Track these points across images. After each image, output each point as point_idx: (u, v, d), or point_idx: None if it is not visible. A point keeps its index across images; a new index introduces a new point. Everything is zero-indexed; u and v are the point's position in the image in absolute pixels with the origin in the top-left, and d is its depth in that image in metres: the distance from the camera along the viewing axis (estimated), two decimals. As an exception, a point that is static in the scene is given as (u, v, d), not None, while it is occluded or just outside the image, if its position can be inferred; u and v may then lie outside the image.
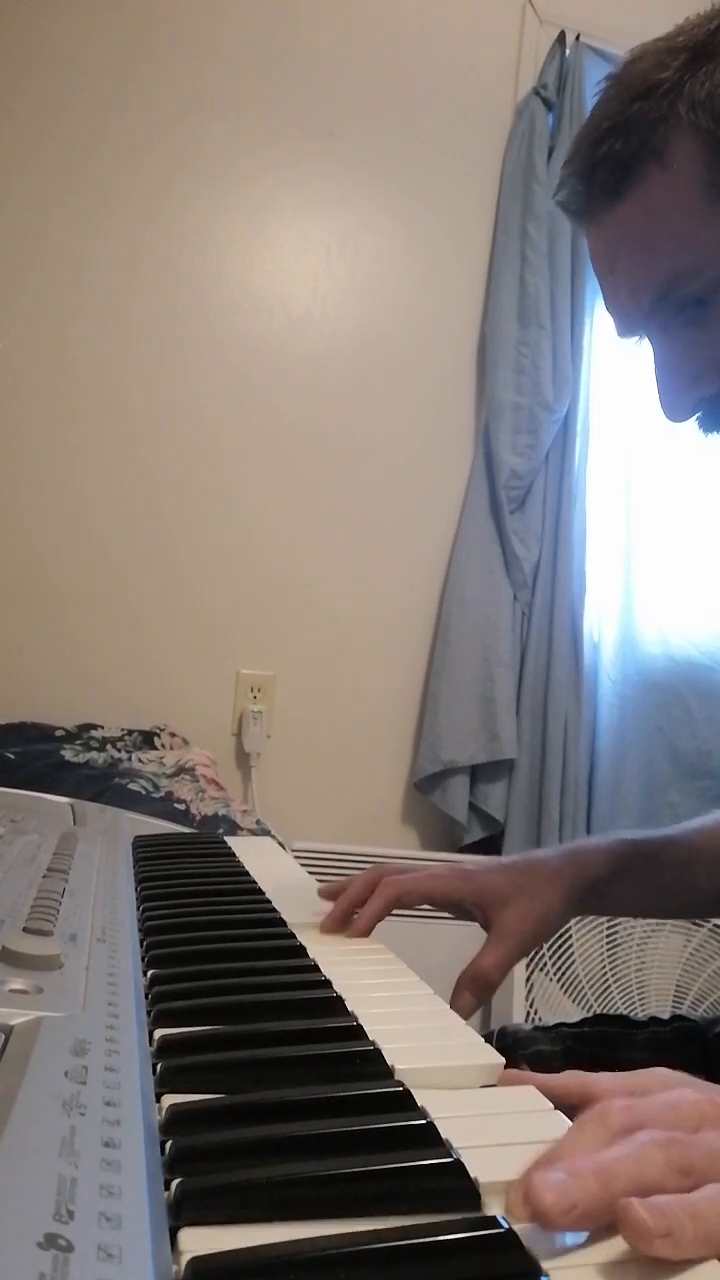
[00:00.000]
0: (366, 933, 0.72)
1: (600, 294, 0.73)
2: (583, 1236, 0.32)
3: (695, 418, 0.71)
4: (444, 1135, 0.37)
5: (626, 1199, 0.32)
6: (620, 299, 0.69)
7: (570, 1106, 0.41)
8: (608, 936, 1.89)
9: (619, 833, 0.87)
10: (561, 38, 2.31)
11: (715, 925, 1.94)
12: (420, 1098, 0.40)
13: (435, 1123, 0.37)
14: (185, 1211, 0.30)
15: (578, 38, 2.31)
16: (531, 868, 0.81)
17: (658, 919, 1.87)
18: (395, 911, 0.75)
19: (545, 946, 1.83)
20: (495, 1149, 0.36)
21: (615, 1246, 0.32)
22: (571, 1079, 0.44)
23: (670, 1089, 0.41)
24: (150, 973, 0.53)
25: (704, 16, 0.64)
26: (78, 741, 1.77)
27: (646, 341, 0.71)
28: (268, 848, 1.03)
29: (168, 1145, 0.34)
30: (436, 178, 2.27)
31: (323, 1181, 0.33)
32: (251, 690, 2.12)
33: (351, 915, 0.73)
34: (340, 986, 0.54)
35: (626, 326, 0.71)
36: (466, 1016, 0.71)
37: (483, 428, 2.23)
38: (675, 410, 0.70)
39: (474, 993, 0.74)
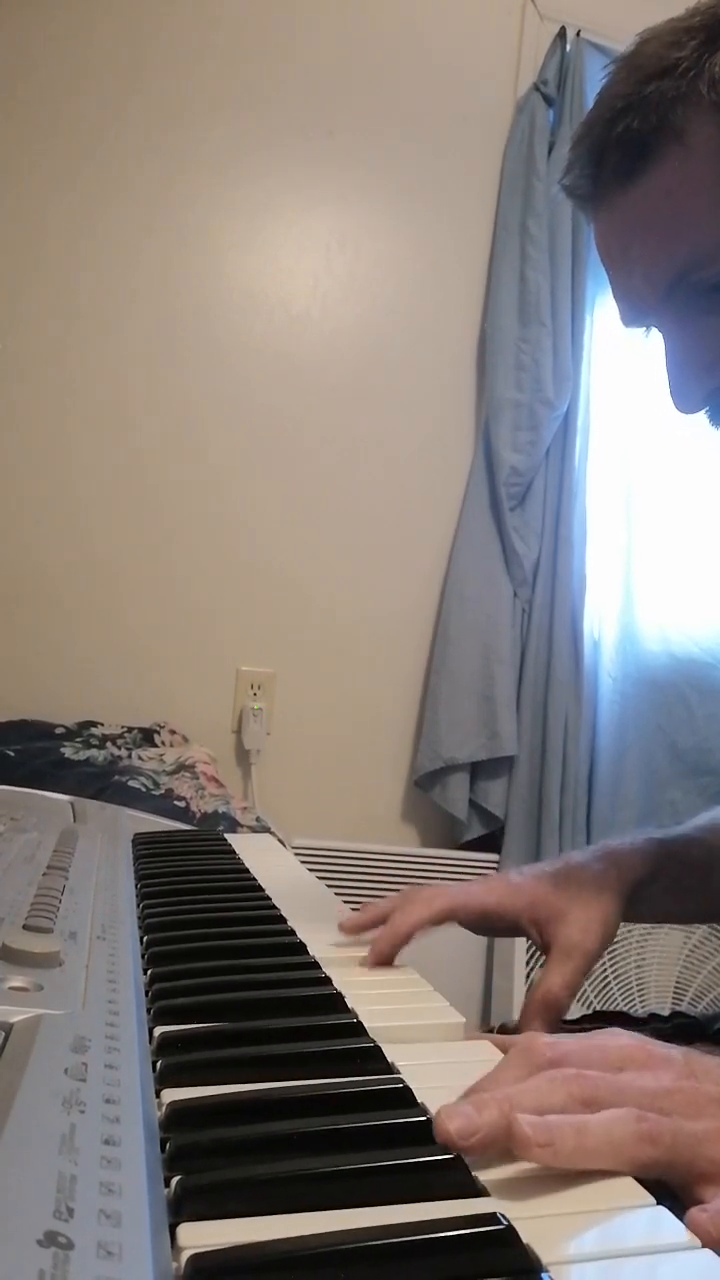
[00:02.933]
0: (406, 937, 0.65)
1: (603, 288, 0.71)
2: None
3: (705, 410, 0.68)
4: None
5: (518, 1115, 0.35)
6: (633, 284, 0.67)
7: None
8: (608, 934, 1.88)
9: (645, 831, 0.82)
10: (562, 33, 2.31)
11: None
12: (420, 1094, 0.40)
13: (435, 1119, 0.37)
14: (185, 1208, 0.31)
15: (578, 34, 2.30)
16: (575, 874, 0.75)
17: (681, 924, 1.86)
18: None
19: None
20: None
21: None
22: (528, 1039, 0.45)
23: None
24: (150, 970, 0.53)
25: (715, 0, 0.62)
26: (78, 739, 1.77)
27: (654, 332, 0.68)
28: (268, 845, 1.03)
29: (168, 1142, 0.34)
30: (437, 175, 2.26)
31: (323, 1178, 0.33)
32: (251, 687, 2.12)
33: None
34: (340, 984, 0.54)
35: (635, 315, 0.68)
36: None
37: (483, 425, 2.22)
38: (686, 401, 0.67)
39: (544, 1019, 0.68)
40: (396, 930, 0.65)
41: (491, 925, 0.74)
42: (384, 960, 0.64)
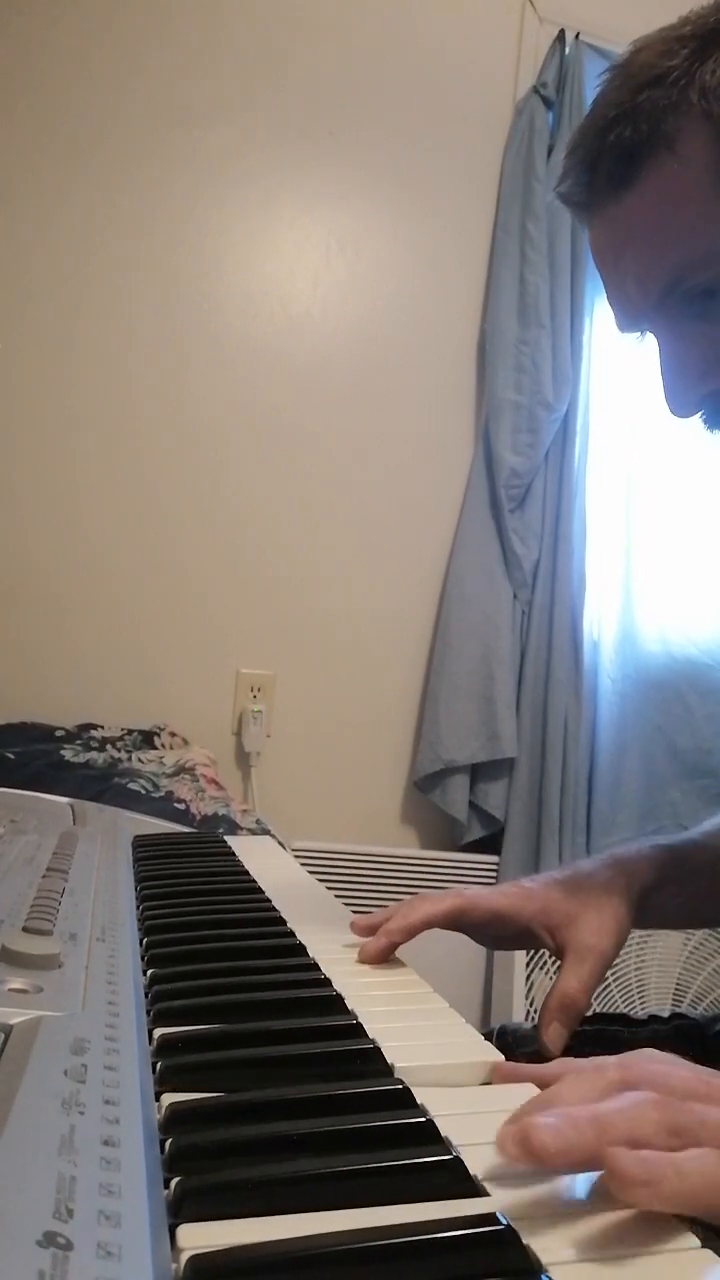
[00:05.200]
0: (414, 928, 0.66)
1: (601, 290, 0.72)
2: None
3: (699, 414, 0.69)
4: (443, 1133, 0.37)
5: (615, 1148, 0.33)
6: (626, 291, 0.68)
7: None
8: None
9: (651, 839, 0.83)
10: (561, 36, 2.31)
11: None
12: (420, 1095, 0.40)
13: (435, 1120, 0.37)
14: (185, 1209, 0.31)
15: (577, 36, 2.31)
16: (584, 882, 0.75)
17: (687, 929, 1.85)
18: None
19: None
20: (494, 1146, 0.37)
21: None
22: (561, 1066, 0.44)
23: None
24: (150, 971, 0.53)
25: (709, 8, 0.62)
26: (77, 741, 1.77)
27: (649, 336, 0.69)
28: (267, 847, 1.04)
29: (167, 1143, 0.34)
30: (436, 177, 2.26)
31: (322, 1179, 0.33)
32: (251, 690, 2.12)
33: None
34: (340, 985, 0.54)
35: (630, 320, 0.69)
36: (558, 1049, 0.67)
37: (482, 426, 2.23)
38: (680, 405, 0.68)
39: (563, 1021, 0.69)
40: (406, 919, 0.66)
41: (501, 930, 0.74)
42: (389, 944, 0.64)
